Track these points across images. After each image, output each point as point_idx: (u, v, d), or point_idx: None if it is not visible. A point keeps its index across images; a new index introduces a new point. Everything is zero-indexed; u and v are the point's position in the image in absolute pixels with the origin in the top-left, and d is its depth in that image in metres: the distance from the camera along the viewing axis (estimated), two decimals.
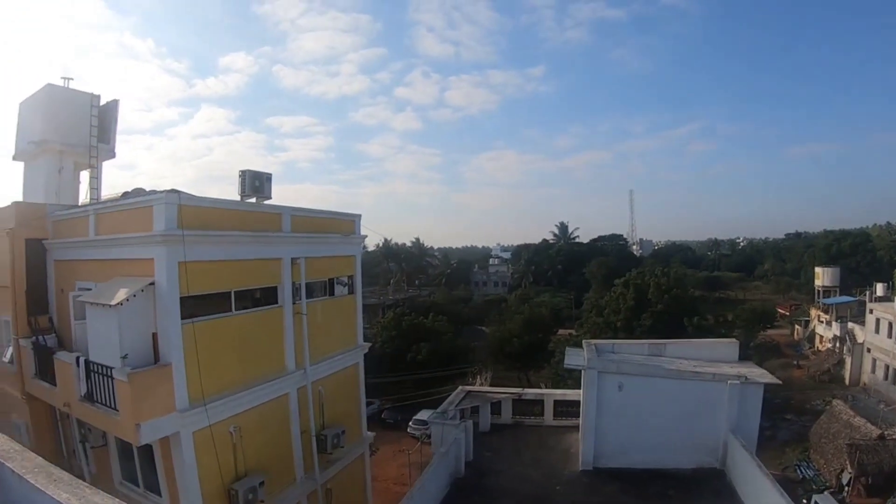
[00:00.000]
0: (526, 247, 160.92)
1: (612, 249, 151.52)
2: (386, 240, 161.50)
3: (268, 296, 20.05)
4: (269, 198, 21.24)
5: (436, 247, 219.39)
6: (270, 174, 21.15)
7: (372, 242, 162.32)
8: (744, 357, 54.75)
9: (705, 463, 20.59)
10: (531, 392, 28.56)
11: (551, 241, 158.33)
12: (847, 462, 43.11)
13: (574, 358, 23.31)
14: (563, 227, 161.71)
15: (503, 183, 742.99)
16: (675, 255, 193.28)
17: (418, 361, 61.34)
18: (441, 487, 19.77)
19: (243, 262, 18.77)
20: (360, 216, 26.35)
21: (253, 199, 20.77)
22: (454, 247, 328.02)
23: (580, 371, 21.97)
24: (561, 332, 79.49)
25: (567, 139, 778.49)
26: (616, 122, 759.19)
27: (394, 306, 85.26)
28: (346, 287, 25.25)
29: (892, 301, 68.92)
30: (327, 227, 24.04)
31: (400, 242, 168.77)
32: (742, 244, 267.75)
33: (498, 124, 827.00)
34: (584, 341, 25.63)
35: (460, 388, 28.76)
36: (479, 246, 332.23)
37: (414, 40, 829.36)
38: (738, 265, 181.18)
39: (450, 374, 57.55)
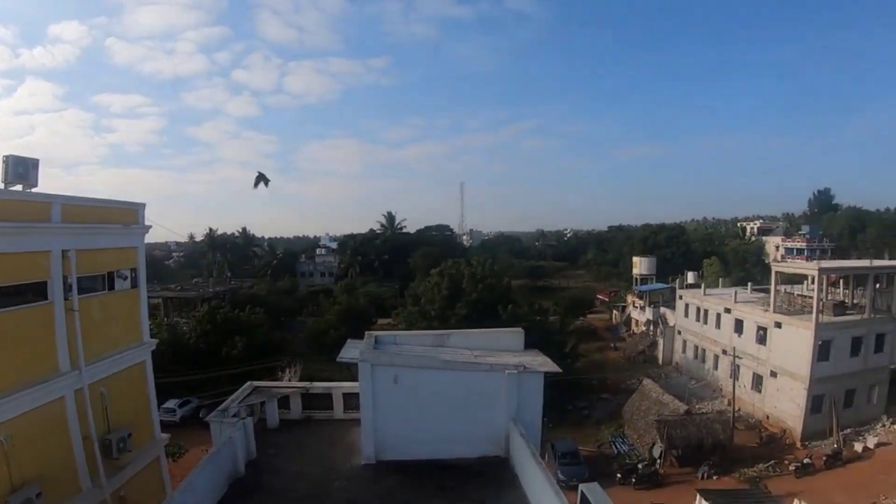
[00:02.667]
0: (352, 237, 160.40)
1: (438, 240, 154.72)
2: (211, 229, 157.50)
3: (35, 291, 18.91)
4: (35, 185, 20.01)
5: (267, 237, 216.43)
6: (37, 160, 20.03)
7: (200, 232, 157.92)
8: (556, 342, 57.92)
9: (490, 452, 20.98)
10: (319, 385, 28.06)
11: (378, 232, 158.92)
12: (657, 436, 46.35)
13: (350, 350, 23.24)
14: (390, 218, 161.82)
15: (340, 173, 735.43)
16: (503, 246, 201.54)
17: (234, 356, 60.43)
18: (216, 488, 18.88)
19: (1, 254, 17.55)
20: (144, 205, 25.44)
21: (18, 187, 19.55)
22: (287, 237, 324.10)
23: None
24: (381, 321, 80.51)
25: (406, 131, 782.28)
26: (455, 117, 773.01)
27: (213, 299, 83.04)
28: (129, 281, 24.27)
29: (700, 288, 75.23)
30: (105, 218, 23.03)
31: (229, 232, 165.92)
32: (568, 236, 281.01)
33: (337, 114, 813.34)
34: (366, 332, 25.81)
35: (248, 383, 28.09)
36: (312, 236, 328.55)
37: (257, 22, 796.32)
38: (563, 255, 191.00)
39: (267, 367, 56.67)
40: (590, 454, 48.85)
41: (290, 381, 39.32)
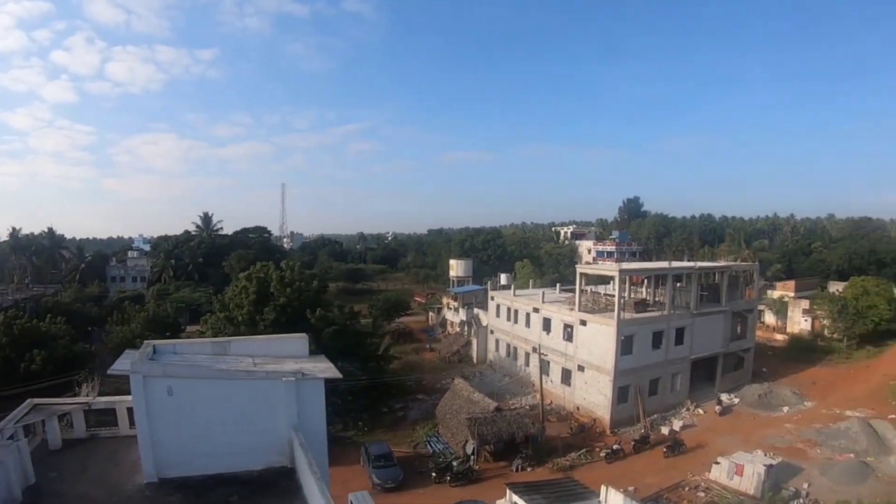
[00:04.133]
0: (166, 238, 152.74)
1: (255, 242, 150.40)
2: (14, 229, 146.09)
3: None
4: None
5: (79, 237, 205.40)
6: None
7: (4, 232, 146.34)
8: (368, 345, 58.12)
9: (275, 463, 20.40)
10: (102, 400, 26.20)
11: (193, 233, 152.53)
12: (469, 434, 47.20)
13: (123, 362, 21.78)
14: (206, 219, 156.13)
15: (160, 170, 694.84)
16: (324, 248, 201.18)
17: (33, 371, 55.47)
18: None
19: None
20: None
21: None
22: (100, 238, 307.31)
23: None
24: (191, 328, 77.49)
25: (229, 128, 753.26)
26: (282, 116, 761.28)
27: (12, 308, 76.29)
28: None
29: (510, 289, 77.82)
30: None
31: (36, 232, 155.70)
32: (389, 238, 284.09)
33: (160, 105, 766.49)
34: (145, 342, 24.44)
35: (28, 400, 25.81)
36: (127, 237, 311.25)
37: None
38: (384, 258, 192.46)
39: (67, 382, 52.63)
40: (405, 455, 48.87)
41: (87, 396, 36.27)
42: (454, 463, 45.44)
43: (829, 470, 44.81)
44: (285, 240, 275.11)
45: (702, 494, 42.38)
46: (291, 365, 22.26)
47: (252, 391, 20.37)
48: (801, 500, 40.95)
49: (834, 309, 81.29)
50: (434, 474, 44.72)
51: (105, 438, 24.38)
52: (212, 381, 20.18)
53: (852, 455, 47.25)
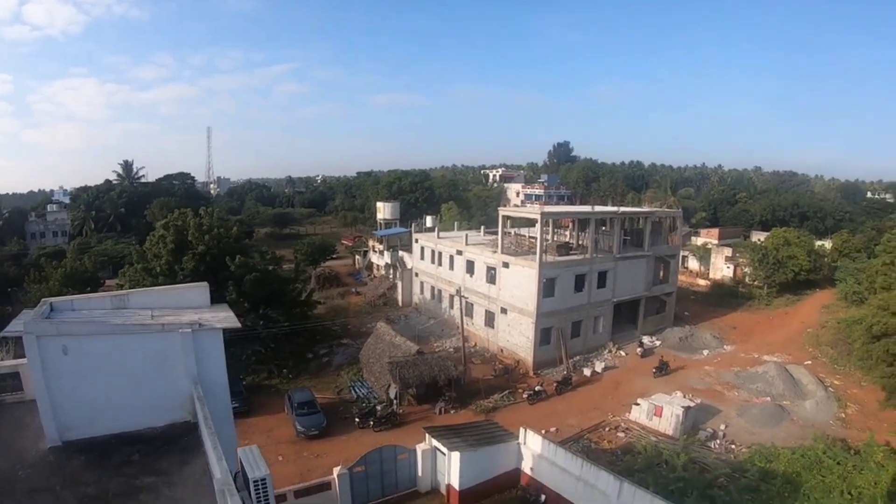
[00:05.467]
0: (85, 189, 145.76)
1: (179, 189, 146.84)
2: None
3: None
4: None
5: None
6: None
7: None
8: (290, 291, 57.61)
9: (178, 418, 19.73)
10: (6, 364, 25.24)
11: (114, 182, 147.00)
12: (391, 378, 47.42)
13: (16, 322, 21.12)
14: (127, 166, 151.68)
15: (81, 117, 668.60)
16: (251, 193, 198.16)
17: None
18: None
19: None
20: None
21: None
22: (21, 192, 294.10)
23: None
24: (110, 283, 75.45)
25: (154, 70, 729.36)
26: (208, 56, 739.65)
27: None
28: None
29: (434, 231, 77.84)
30: None
31: None
32: (318, 182, 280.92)
33: (81, 49, 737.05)
34: (42, 299, 23.52)
35: None
36: (48, 190, 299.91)
37: None
38: (312, 202, 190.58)
39: None
40: (329, 401, 48.83)
41: (2, 360, 34.68)
42: (378, 408, 45.68)
43: (746, 412, 46.74)
44: (212, 185, 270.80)
45: (621, 434, 43.62)
46: (190, 316, 21.62)
47: (149, 345, 19.57)
48: (718, 441, 42.48)
49: (756, 257, 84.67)
50: (358, 420, 44.81)
51: (11, 404, 23.50)
52: (108, 337, 19.35)
53: (769, 398, 49.31)
